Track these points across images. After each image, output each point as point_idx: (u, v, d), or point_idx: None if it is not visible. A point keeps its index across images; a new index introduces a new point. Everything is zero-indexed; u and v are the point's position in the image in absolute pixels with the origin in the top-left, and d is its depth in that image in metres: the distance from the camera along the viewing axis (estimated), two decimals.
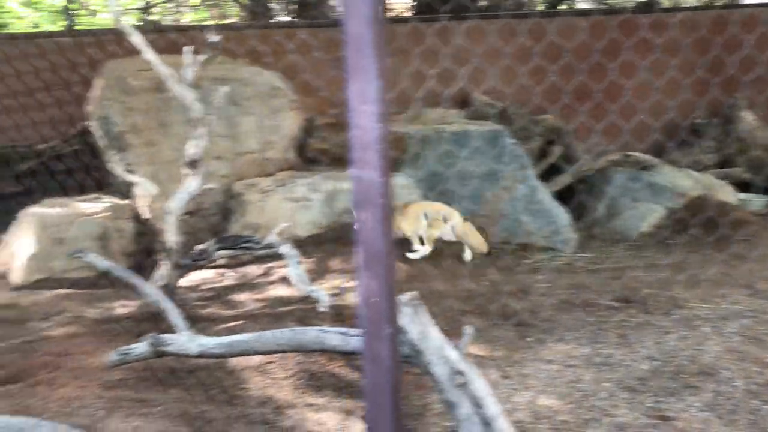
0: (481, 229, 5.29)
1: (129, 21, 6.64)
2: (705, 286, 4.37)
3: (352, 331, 2.57)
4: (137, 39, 3.96)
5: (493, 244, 5.73)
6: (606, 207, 6.06)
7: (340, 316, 3.74)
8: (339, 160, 5.93)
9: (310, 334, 2.58)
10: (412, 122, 6.49)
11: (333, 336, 2.59)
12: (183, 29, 7.84)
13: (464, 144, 5.85)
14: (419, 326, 2.31)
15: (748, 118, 6.89)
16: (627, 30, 6.26)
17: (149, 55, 3.96)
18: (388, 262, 1.31)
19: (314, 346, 2.58)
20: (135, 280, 3.53)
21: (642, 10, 8.01)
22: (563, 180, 6.40)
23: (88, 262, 3.75)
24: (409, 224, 5.05)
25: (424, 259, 5.00)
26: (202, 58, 4.04)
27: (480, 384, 2.36)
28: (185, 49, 4.13)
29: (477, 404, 2.31)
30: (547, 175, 6.46)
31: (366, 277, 1.32)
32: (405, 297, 2.32)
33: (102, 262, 3.69)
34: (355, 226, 1.31)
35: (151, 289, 3.43)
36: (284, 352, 2.82)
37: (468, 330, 2.44)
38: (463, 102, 7.07)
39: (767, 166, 6.78)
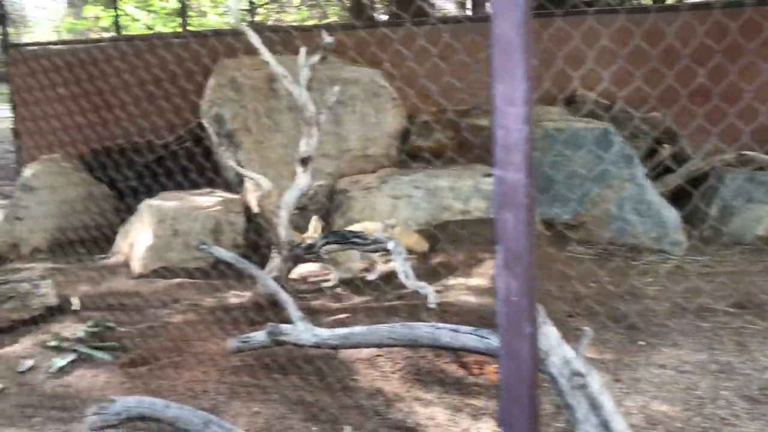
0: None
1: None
2: None
3: (463, 328, 2.61)
4: (255, 39, 4.12)
5: (601, 245, 5.62)
6: (719, 209, 5.82)
7: (445, 313, 3.78)
8: (440, 157, 5.97)
9: (423, 329, 2.62)
10: None
11: (445, 332, 2.63)
12: (287, 30, 8.06)
13: (571, 142, 5.76)
14: (541, 328, 2.32)
15: None
16: (734, 18, 5.98)
17: (266, 55, 4.12)
18: (529, 262, 1.33)
19: (427, 341, 2.62)
20: (256, 271, 3.69)
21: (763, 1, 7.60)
22: (673, 180, 6.19)
23: (211, 254, 3.94)
24: None
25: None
26: (316, 58, 4.16)
27: (598, 386, 2.34)
28: (301, 49, 4.27)
29: (594, 406, 2.30)
30: (656, 176, 6.27)
31: (506, 276, 1.34)
32: None
33: (225, 254, 3.88)
34: (495, 226, 1.34)
35: (269, 280, 3.58)
36: (397, 346, 2.88)
37: (587, 331, 2.43)
38: (568, 100, 6.95)
39: None
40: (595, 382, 2.33)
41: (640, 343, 3.69)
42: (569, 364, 2.31)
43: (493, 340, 2.51)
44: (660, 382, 3.23)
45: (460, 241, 5.03)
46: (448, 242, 5.08)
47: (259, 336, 3.15)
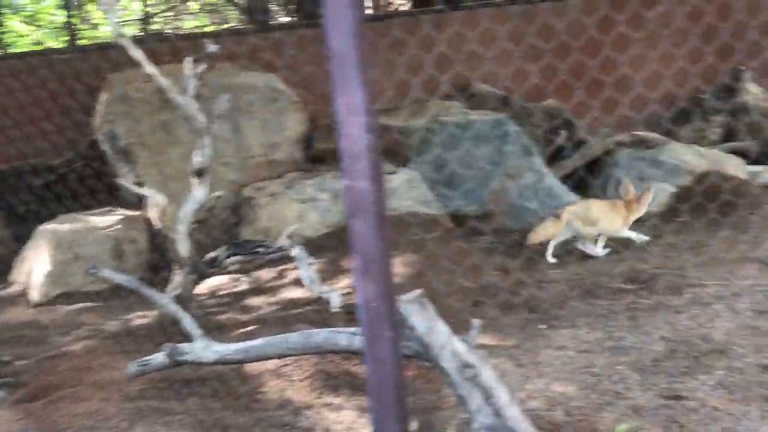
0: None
1: (129, 32, 6.71)
2: (716, 264, 4.37)
3: (360, 330, 2.63)
4: (136, 53, 4.01)
5: (508, 234, 5.76)
6: (614, 188, 6.06)
7: (351, 315, 3.79)
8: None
9: (320, 335, 2.62)
10: (414, 115, 6.52)
11: (343, 337, 2.64)
12: (186, 37, 7.90)
13: (468, 135, 5.87)
14: (426, 322, 2.35)
15: (753, 89, 6.85)
16: (619, 4, 6.23)
17: (149, 68, 4.02)
18: (384, 268, 1.35)
19: (326, 347, 2.63)
20: (147, 291, 3.59)
21: None
22: (570, 164, 6.41)
23: (103, 277, 3.82)
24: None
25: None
26: (201, 67, 4.09)
27: (489, 375, 2.40)
28: (186, 59, 4.18)
29: (488, 395, 2.36)
30: (554, 160, 6.47)
31: (363, 282, 1.35)
32: (411, 295, 2.37)
33: (115, 276, 3.76)
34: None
35: (165, 299, 3.50)
36: (297, 354, 2.87)
37: (475, 323, 2.48)
38: (463, 91, 7.08)
39: None
40: (487, 372, 2.39)
41: (542, 326, 3.80)
42: (460, 356, 2.35)
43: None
44: (560, 364, 3.33)
45: None
46: None
47: (158, 358, 3.07)
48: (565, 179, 6.08)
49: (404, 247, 4.82)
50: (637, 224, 5.16)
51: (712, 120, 6.92)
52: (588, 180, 6.05)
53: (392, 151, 6.36)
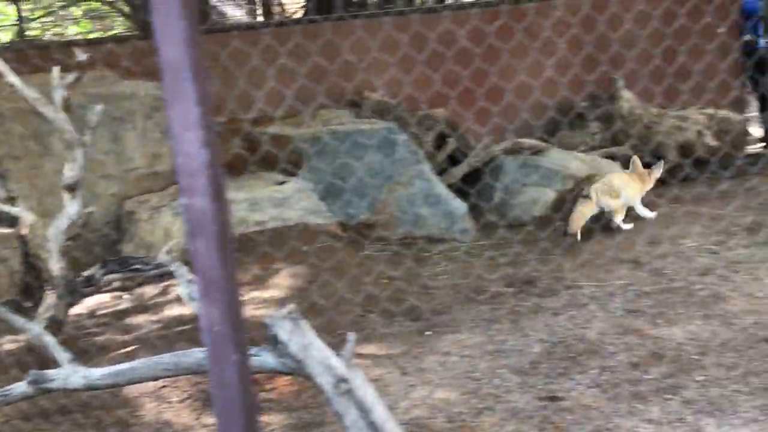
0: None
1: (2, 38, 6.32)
2: (593, 265, 4.56)
3: None
4: None
5: (396, 241, 5.80)
6: (501, 194, 6.22)
7: None
8: (235, 168, 5.84)
9: (192, 356, 2.53)
10: (306, 124, 6.47)
11: None
12: (66, 44, 7.51)
13: (358, 144, 5.87)
14: (300, 338, 2.31)
15: (627, 96, 7.20)
16: (516, 15, 6.41)
17: (12, 78, 3.78)
18: (229, 289, 1.30)
19: (198, 368, 2.53)
20: (8, 315, 3.36)
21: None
22: (459, 171, 6.52)
23: None
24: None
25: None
26: (70, 77, 3.88)
27: (366, 389, 2.38)
28: (53, 68, 3.96)
29: (363, 410, 2.34)
30: (443, 170, 6.57)
31: (206, 305, 1.30)
32: (283, 311, 2.32)
33: None
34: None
35: (29, 324, 3.28)
36: (171, 376, 2.76)
37: (351, 336, 2.46)
38: (354, 102, 7.09)
39: (651, 142, 7.12)
40: (363, 386, 2.37)
41: (428, 333, 3.84)
42: (335, 371, 2.32)
43: (265, 357, 2.47)
44: (443, 370, 3.37)
45: (256, 253, 4.95)
46: (244, 255, 4.98)
47: (20, 387, 2.87)
48: (453, 186, 6.19)
49: (292, 259, 4.76)
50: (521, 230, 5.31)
51: (589, 126, 7.24)
52: (476, 186, 6.19)
53: (283, 160, 6.29)
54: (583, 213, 5.23)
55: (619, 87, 7.19)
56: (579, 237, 5.14)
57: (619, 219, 5.29)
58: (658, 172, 5.44)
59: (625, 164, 6.71)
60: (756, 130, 7.87)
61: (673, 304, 3.77)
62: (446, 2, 9.40)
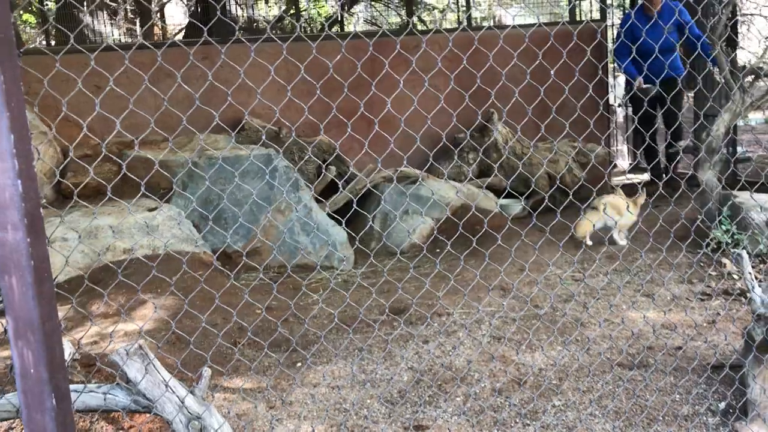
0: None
1: None
2: (464, 293, 4.65)
3: (90, 386, 2.41)
4: None
5: (275, 269, 5.72)
6: (380, 222, 6.29)
7: (92, 367, 3.48)
8: (101, 194, 5.57)
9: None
10: (182, 149, 6.29)
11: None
12: None
13: (237, 169, 5.77)
14: (148, 375, 2.21)
15: (500, 128, 7.51)
16: (388, 50, 6.53)
17: None
18: (46, 329, 1.21)
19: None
20: None
21: (399, 32, 8.47)
22: (340, 199, 6.54)
23: None
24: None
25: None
26: None
27: (220, 425, 2.30)
28: None
29: None
30: (326, 197, 6.57)
31: (20, 347, 1.20)
32: (130, 348, 2.21)
33: None
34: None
35: None
36: (13, 418, 2.56)
37: (205, 372, 2.38)
38: (235, 126, 6.98)
39: (521, 173, 7.44)
40: (216, 422, 2.29)
41: (299, 364, 3.78)
42: (186, 409, 2.23)
43: (117, 395, 2.34)
44: (311, 402, 3.32)
45: (121, 283, 4.72)
46: (109, 285, 4.74)
47: None
48: (334, 213, 6.19)
49: (160, 288, 4.58)
50: (399, 257, 5.37)
51: (467, 157, 7.47)
52: (356, 214, 6.21)
53: (155, 185, 6.08)
54: (589, 221, 5.60)
55: (494, 120, 7.49)
56: (588, 241, 5.53)
57: (617, 233, 5.70)
58: (641, 199, 5.85)
59: (498, 194, 6.98)
60: (623, 163, 8.41)
61: (536, 330, 3.91)
62: (335, 30, 9.48)
